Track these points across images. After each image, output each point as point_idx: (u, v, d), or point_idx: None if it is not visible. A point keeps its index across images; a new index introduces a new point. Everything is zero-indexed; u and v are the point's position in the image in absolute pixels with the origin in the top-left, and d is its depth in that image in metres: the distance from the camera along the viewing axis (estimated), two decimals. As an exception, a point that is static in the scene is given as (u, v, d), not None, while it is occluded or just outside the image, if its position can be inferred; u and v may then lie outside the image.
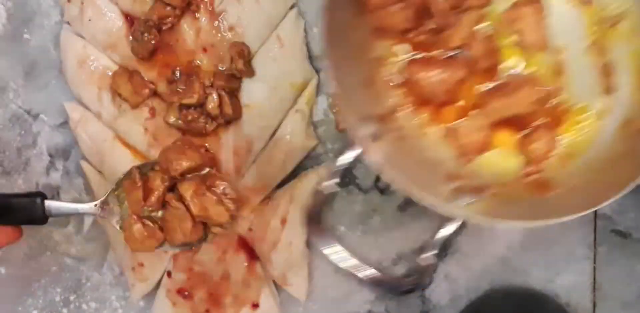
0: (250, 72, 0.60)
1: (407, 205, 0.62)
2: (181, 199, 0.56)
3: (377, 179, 0.62)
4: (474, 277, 0.62)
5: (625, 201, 0.61)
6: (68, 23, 0.63)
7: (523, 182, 0.54)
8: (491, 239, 0.62)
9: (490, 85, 0.54)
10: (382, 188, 0.62)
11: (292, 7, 0.61)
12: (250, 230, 0.62)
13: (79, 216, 0.65)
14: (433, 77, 0.53)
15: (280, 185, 0.62)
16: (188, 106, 0.60)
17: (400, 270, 0.63)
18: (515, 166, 0.54)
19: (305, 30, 0.61)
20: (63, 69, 0.64)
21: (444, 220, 0.51)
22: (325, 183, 0.49)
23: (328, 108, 0.62)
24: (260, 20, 0.60)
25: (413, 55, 0.54)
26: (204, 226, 0.57)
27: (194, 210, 0.55)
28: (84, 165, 0.64)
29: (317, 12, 0.61)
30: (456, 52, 0.54)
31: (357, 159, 0.50)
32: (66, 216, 0.64)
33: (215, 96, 0.59)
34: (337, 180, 0.49)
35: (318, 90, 0.62)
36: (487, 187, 0.53)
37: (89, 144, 0.63)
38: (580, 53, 0.54)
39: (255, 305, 0.62)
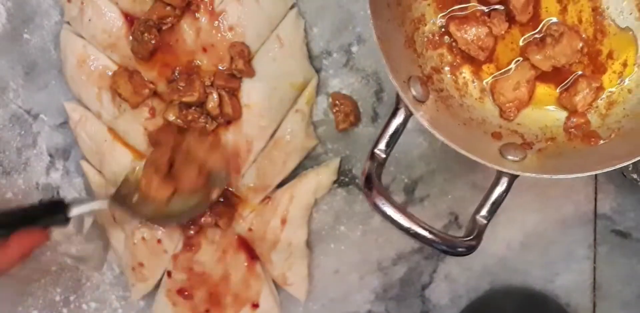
0: (250, 72, 0.60)
1: (407, 204, 0.62)
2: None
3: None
4: (474, 277, 0.63)
5: (625, 201, 0.61)
6: (68, 23, 0.63)
7: (569, 134, 0.54)
8: (491, 239, 0.62)
9: (531, 38, 0.54)
10: (382, 188, 0.62)
11: (292, 7, 0.61)
12: (250, 230, 0.62)
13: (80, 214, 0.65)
14: (472, 34, 0.54)
15: (280, 185, 0.62)
16: (188, 105, 0.60)
17: (400, 269, 0.63)
18: (560, 120, 0.55)
19: (305, 30, 0.61)
20: (63, 69, 0.64)
21: (497, 179, 0.50)
22: (377, 148, 0.49)
23: (328, 108, 0.62)
24: (260, 20, 0.60)
25: (450, 11, 0.54)
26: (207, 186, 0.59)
27: None
28: (84, 165, 0.64)
29: (317, 12, 0.61)
30: (495, 7, 0.54)
31: (405, 123, 0.50)
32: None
33: (215, 95, 0.59)
34: (382, 147, 0.49)
35: (318, 90, 0.62)
36: (534, 143, 0.54)
37: (89, 144, 0.63)
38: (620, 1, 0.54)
39: (255, 305, 0.62)
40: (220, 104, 0.59)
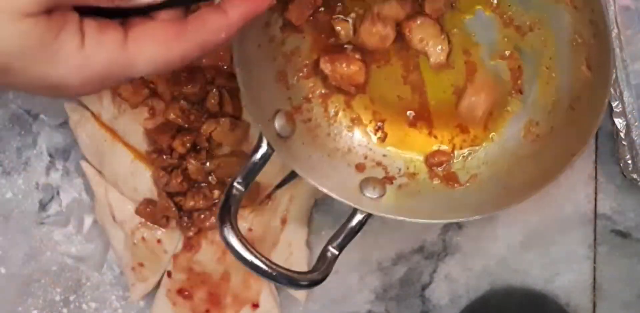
0: (250, 72, 0.60)
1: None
2: None
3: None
4: (474, 277, 0.62)
5: (625, 201, 0.61)
6: (68, 23, 0.63)
7: (431, 172, 0.55)
8: (491, 239, 0.62)
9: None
10: (382, 188, 0.62)
11: (292, 7, 0.61)
12: (250, 230, 0.62)
13: (80, 214, 0.66)
14: (343, 70, 0.54)
15: (280, 185, 0.62)
16: (189, 101, 0.59)
17: (400, 269, 0.63)
18: (424, 157, 0.56)
19: (305, 30, 0.61)
20: (63, 69, 0.63)
21: (354, 212, 0.52)
22: (235, 183, 0.50)
23: (328, 108, 0.62)
24: (260, 20, 0.60)
25: (323, 46, 0.54)
26: None
27: None
28: (84, 165, 0.64)
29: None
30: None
31: (266, 158, 0.51)
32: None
33: (215, 92, 0.59)
34: (239, 180, 0.50)
35: (318, 90, 0.62)
36: (395, 177, 0.55)
37: (89, 144, 0.63)
38: (492, 56, 0.54)
39: (255, 305, 0.62)
40: (221, 102, 0.59)
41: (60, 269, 0.66)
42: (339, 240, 0.51)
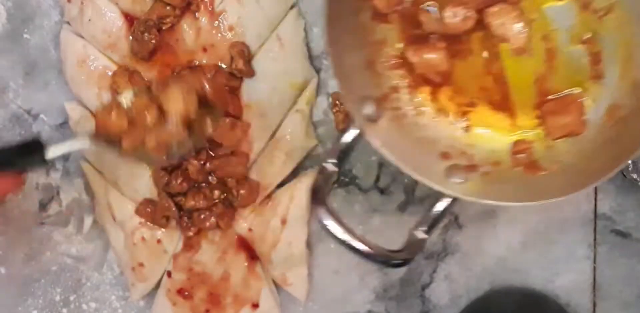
0: (250, 72, 0.60)
1: (407, 204, 0.62)
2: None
3: (377, 179, 0.62)
4: (474, 277, 0.63)
5: (625, 201, 0.61)
6: (68, 23, 0.63)
7: (514, 160, 0.55)
8: (491, 239, 0.62)
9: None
10: (382, 188, 0.62)
11: (292, 7, 0.61)
12: (250, 230, 0.62)
13: (80, 214, 0.66)
14: (428, 59, 0.55)
15: (280, 185, 0.62)
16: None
17: (400, 270, 0.63)
18: (509, 145, 0.56)
19: (305, 30, 0.61)
20: (63, 69, 0.64)
21: (439, 197, 0.52)
22: (325, 163, 0.52)
23: (328, 108, 0.62)
24: (260, 20, 0.60)
25: (410, 36, 0.56)
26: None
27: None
28: (84, 165, 0.64)
29: (317, 12, 0.61)
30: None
31: (357, 140, 0.52)
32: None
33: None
34: (334, 160, 0.52)
35: (318, 90, 0.62)
36: (479, 166, 0.55)
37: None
38: (570, 41, 0.55)
39: (255, 305, 0.62)
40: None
41: (60, 269, 0.66)
42: (427, 223, 0.52)
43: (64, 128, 0.65)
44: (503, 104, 0.56)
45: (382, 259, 0.50)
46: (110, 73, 0.61)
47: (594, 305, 0.62)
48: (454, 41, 0.55)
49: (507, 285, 0.62)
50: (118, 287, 0.66)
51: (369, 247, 0.49)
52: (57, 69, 0.65)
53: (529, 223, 0.62)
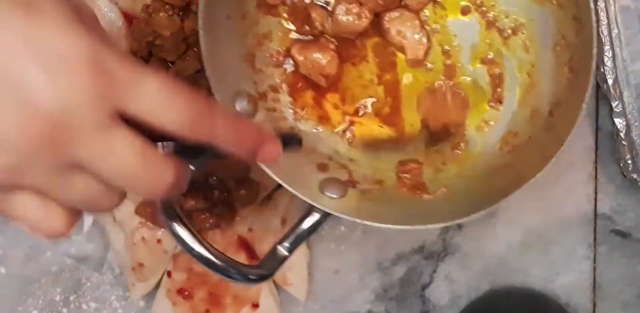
0: (250, 72, 0.60)
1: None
2: None
3: (377, 179, 0.62)
4: (474, 277, 0.62)
5: (625, 201, 0.61)
6: (68, 23, 0.63)
7: (399, 180, 0.51)
8: (491, 239, 0.62)
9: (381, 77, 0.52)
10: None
11: (292, 7, 0.61)
12: (250, 230, 0.62)
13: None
14: (314, 59, 0.51)
15: (281, 185, 0.62)
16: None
17: (400, 269, 0.63)
18: (393, 164, 0.52)
19: (305, 30, 0.61)
20: (63, 69, 0.63)
21: (307, 214, 0.48)
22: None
23: (328, 108, 0.62)
24: (260, 20, 0.60)
25: (298, 32, 0.52)
26: None
27: None
28: (84, 165, 0.64)
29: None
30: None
31: None
32: None
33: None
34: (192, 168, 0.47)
35: (318, 90, 0.62)
36: (359, 182, 0.51)
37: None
38: (472, 59, 0.52)
39: (255, 305, 0.62)
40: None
41: (60, 269, 0.66)
42: (291, 240, 0.47)
43: (64, 128, 0.65)
44: (392, 119, 0.52)
45: (237, 274, 0.44)
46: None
47: (594, 305, 0.62)
48: (346, 45, 0.51)
49: (507, 285, 0.62)
50: (118, 287, 0.66)
51: (221, 260, 0.43)
52: (57, 69, 0.65)
53: (529, 223, 0.62)
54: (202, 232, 0.62)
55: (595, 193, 0.61)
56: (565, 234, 0.62)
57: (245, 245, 0.62)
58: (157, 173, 0.31)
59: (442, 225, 0.47)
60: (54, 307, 0.66)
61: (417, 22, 0.51)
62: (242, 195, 0.60)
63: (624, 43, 0.56)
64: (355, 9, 0.49)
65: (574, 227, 0.61)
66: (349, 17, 0.49)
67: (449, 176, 0.51)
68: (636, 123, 0.57)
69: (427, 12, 0.52)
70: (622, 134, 0.58)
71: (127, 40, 0.61)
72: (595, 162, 0.61)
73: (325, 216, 0.47)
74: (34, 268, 0.66)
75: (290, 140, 0.45)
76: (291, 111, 0.52)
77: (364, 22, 0.50)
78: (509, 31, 0.51)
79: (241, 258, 0.62)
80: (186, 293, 0.63)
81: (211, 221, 0.61)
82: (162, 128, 0.31)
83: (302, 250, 0.62)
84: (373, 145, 0.53)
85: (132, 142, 0.30)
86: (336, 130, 0.53)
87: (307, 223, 0.47)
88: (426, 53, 0.51)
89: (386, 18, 0.50)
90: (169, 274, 0.63)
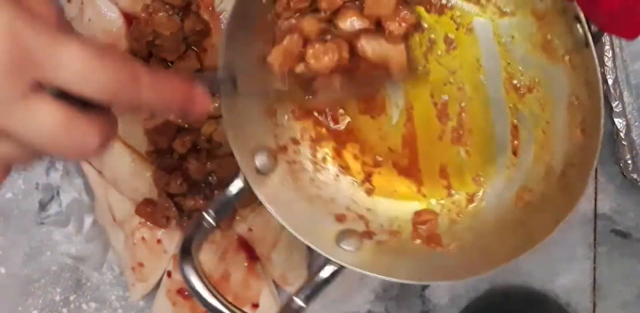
0: (250, 72, 0.60)
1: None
2: None
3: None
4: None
5: (625, 201, 0.61)
6: (68, 23, 0.63)
7: (415, 231, 0.52)
8: (491, 239, 0.62)
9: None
10: (382, 188, 0.62)
11: (292, 7, 0.61)
12: (250, 230, 0.62)
13: (80, 214, 0.66)
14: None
15: (280, 185, 0.62)
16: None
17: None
18: (410, 214, 0.53)
19: (305, 30, 0.61)
20: (63, 69, 0.63)
21: (323, 265, 0.49)
22: (204, 212, 0.48)
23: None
24: (260, 20, 0.60)
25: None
26: None
27: None
28: (84, 165, 0.64)
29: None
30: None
31: (241, 193, 0.48)
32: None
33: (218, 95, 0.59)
34: (212, 214, 0.48)
35: (318, 90, 0.62)
36: (376, 233, 0.52)
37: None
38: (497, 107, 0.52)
39: (255, 305, 0.62)
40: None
41: (60, 269, 0.66)
42: (308, 291, 0.48)
43: (64, 128, 0.65)
44: (410, 170, 0.53)
45: None
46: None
47: (594, 305, 0.62)
48: (366, 98, 0.52)
49: (507, 285, 0.62)
50: (118, 287, 0.66)
51: (233, 311, 0.45)
52: (57, 69, 0.65)
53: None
54: (202, 232, 0.62)
55: (595, 193, 0.61)
56: (565, 234, 0.62)
57: (245, 245, 0.62)
58: (81, 138, 0.32)
59: (449, 282, 0.48)
60: (54, 307, 0.66)
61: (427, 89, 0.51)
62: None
63: (624, 43, 0.56)
64: (323, 47, 0.48)
65: (574, 227, 0.61)
66: (322, 58, 0.48)
67: (463, 228, 0.52)
68: (636, 123, 0.57)
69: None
70: (622, 134, 0.58)
71: (127, 40, 0.61)
72: (596, 162, 0.61)
73: (342, 267, 0.48)
74: (34, 268, 0.66)
75: (223, 82, 0.45)
76: (312, 162, 0.53)
77: (334, 56, 0.48)
78: (525, 89, 0.50)
79: (241, 258, 0.62)
80: (186, 293, 0.63)
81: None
82: (87, 97, 0.31)
83: (302, 250, 0.62)
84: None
85: (53, 111, 0.31)
86: (355, 180, 0.54)
87: (324, 274, 0.48)
88: (445, 107, 0.52)
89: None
90: (169, 274, 0.63)
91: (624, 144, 0.58)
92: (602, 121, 0.44)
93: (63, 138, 0.31)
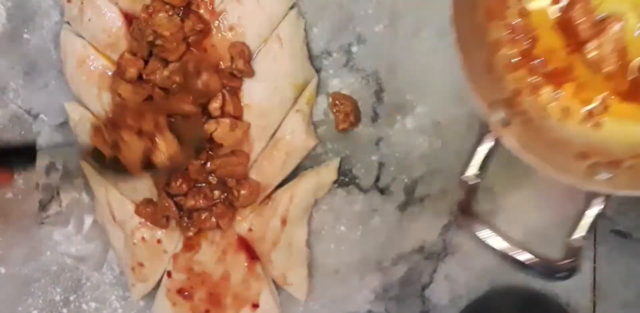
0: (250, 72, 0.60)
1: (407, 204, 0.62)
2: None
3: (377, 179, 0.62)
4: (474, 276, 0.62)
5: (625, 201, 0.61)
6: (68, 23, 0.63)
7: None
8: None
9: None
10: (382, 188, 0.62)
11: (292, 7, 0.61)
12: (250, 230, 0.62)
13: (80, 214, 0.66)
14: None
15: (280, 185, 0.62)
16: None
17: (400, 269, 0.63)
18: None
19: (305, 30, 0.61)
20: (63, 69, 0.64)
21: (589, 200, 0.50)
22: (466, 175, 0.50)
23: (328, 108, 0.62)
24: (260, 20, 0.60)
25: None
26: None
27: None
28: (84, 165, 0.64)
29: (317, 12, 0.61)
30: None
31: (494, 147, 0.50)
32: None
33: (219, 95, 0.59)
34: (476, 172, 0.50)
35: (318, 90, 0.62)
36: (622, 160, 0.52)
37: (89, 144, 0.63)
38: None
39: (255, 305, 0.62)
40: (223, 104, 0.59)
41: (60, 269, 0.66)
42: (581, 229, 0.51)
43: (64, 128, 0.65)
44: (632, 93, 0.53)
45: (544, 271, 0.48)
46: (110, 73, 0.61)
47: (594, 305, 0.62)
48: (572, 35, 0.52)
49: (507, 285, 0.62)
50: (118, 287, 0.66)
51: (535, 256, 0.47)
52: (57, 69, 0.65)
53: (529, 223, 0.62)
54: (202, 232, 0.62)
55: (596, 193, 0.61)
56: (566, 234, 0.61)
57: (245, 245, 0.62)
58: None
59: None
60: (54, 307, 0.66)
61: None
62: (242, 195, 0.60)
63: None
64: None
65: (574, 227, 0.61)
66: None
67: None
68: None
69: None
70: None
71: (127, 40, 0.61)
72: (596, 162, 0.61)
73: (606, 198, 0.50)
74: (34, 268, 0.66)
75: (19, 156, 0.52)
76: (537, 111, 0.54)
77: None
78: None
79: (241, 258, 0.62)
80: (186, 293, 0.63)
81: (211, 221, 0.61)
82: None
83: (302, 250, 0.62)
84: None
85: None
86: (581, 118, 0.54)
87: (592, 212, 0.51)
88: None
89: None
90: (169, 274, 0.63)
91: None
92: None
93: None
